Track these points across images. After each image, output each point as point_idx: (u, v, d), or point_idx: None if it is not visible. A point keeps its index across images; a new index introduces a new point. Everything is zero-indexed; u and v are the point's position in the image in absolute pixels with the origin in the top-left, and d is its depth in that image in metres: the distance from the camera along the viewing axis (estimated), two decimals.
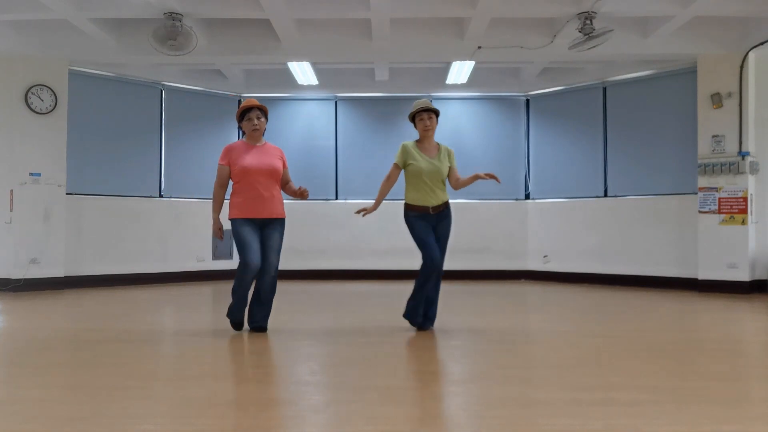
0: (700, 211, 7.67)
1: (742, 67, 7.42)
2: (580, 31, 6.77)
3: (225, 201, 4.70)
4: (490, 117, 9.78)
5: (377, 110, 9.81)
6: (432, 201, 4.70)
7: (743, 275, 7.36)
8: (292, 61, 8.34)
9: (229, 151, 4.67)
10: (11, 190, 7.67)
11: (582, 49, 6.91)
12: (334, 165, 9.77)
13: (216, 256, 9.39)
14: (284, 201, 4.77)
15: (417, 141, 4.85)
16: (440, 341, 4.42)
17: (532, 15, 7.05)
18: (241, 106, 4.72)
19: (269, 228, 4.61)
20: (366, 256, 9.52)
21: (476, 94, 9.70)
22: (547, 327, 5.18)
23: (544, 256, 9.34)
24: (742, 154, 7.37)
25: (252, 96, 9.59)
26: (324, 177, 9.66)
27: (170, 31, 6.73)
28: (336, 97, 9.80)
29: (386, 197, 4.87)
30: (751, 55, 7.41)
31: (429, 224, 4.69)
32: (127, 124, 8.67)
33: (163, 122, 9.05)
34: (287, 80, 9.30)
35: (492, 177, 4.62)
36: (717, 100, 7.51)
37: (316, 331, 4.88)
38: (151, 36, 6.77)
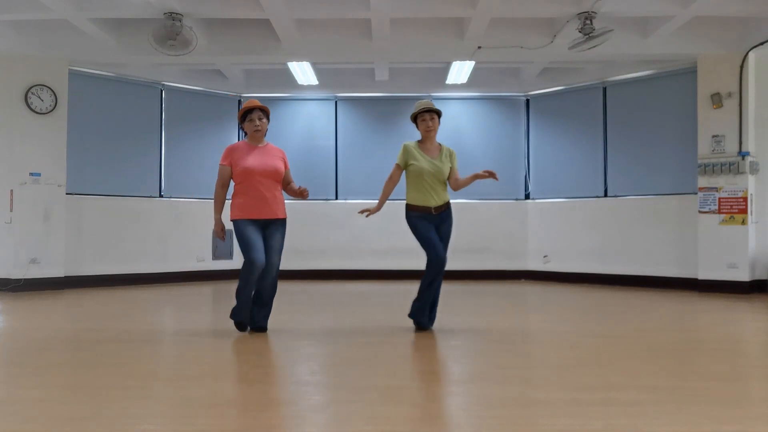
0: (700, 211, 7.68)
1: (742, 67, 7.42)
2: (580, 31, 6.77)
3: (227, 201, 4.70)
4: (490, 117, 9.78)
5: (377, 110, 9.81)
6: (434, 201, 4.70)
7: (743, 275, 7.36)
8: (292, 61, 8.34)
9: (231, 152, 4.67)
10: (11, 190, 7.67)
11: (582, 49, 6.91)
12: (334, 165, 9.77)
13: (216, 256, 9.39)
14: (284, 201, 4.78)
15: (419, 141, 4.85)
16: (440, 341, 4.42)
17: (532, 15, 7.05)
18: (243, 106, 4.71)
19: (271, 228, 4.62)
20: (366, 256, 9.52)
21: (476, 94, 9.70)
22: (547, 327, 5.18)
23: (544, 256, 9.33)
24: (742, 154, 7.37)
25: (252, 96, 9.59)
26: (324, 177, 9.66)
27: (170, 31, 6.72)
28: (336, 97, 9.80)
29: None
30: (751, 55, 7.41)
31: (431, 224, 4.69)
32: (127, 124, 8.67)
33: (163, 122, 9.05)
34: (287, 80, 9.30)
35: (491, 174, 4.61)
36: (717, 100, 7.51)
37: (316, 331, 4.88)
38: (151, 36, 6.77)
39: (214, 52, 7.82)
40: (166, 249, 8.94)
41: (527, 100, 9.70)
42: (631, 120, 8.58)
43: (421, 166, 4.69)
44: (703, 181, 7.63)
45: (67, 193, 8.00)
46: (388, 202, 4.91)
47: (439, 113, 4.81)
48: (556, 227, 9.26)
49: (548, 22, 7.44)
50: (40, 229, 7.74)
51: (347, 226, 9.51)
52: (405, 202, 4.79)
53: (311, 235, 9.35)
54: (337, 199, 9.73)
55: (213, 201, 4.73)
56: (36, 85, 7.76)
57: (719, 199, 7.51)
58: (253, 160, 4.58)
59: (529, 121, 9.71)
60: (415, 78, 9.49)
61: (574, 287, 8.33)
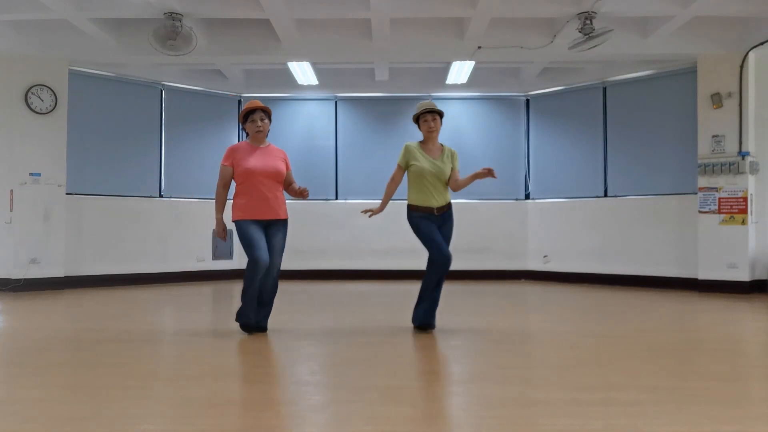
0: (700, 211, 7.68)
1: (742, 67, 7.42)
2: (580, 31, 6.77)
3: (228, 201, 4.70)
4: (490, 117, 9.78)
5: (377, 110, 9.81)
6: (436, 202, 4.70)
7: (743, 275, 7.36)
8: (292, 61, 8.34)
9: (232, 152, 4.66)
10: (11, 190, 7.67)
11: (582, 49, 6.91)
12: (334, 165, 9.77)
13: (216, 256, 9.38)
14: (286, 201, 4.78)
15: (421, 142, 4.86)
16: (440, 341, 4.42)
17: (532, 15, 7.05)
18: (245, 107, 4.70)
19: (272, 229, 4.62)
20: (366, 256, 9.52)
21: (476, 94, 9.70)
22: (547, 327, 5.18)
23: (544, 256, 9.34)
24: (742, 154, 7.37)
25: (252, 96, 9.60)
26: (324, 177, 9.66)
27: (170, 31, 6.73)
28: (336, 97, 9.80)
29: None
30: (751, 55, 7.41)
31: (433, 224, 4.69)
32: (127, 124, 8.68)
33: (163, 122, 9.05)
34: (287, 80, 9.30)
35: (489, 172, 4.58)
36: (717, 100, 7.51)
37: (316, 331, 4.88)
38: (151, 36, 6.77)
39: (214, 52, 7.83)
40: (166, 249, 8.95)
41: (527, 100, 9.70)
42: (631, 120, 8.58)
43: (423, 167, 4.69)
44: (703, 181, 7.63)
45: (67, 193, 8.00)
46: (391, 202, 4.92)
47: (441, 114, 4.81)
48: (556, 227, 9.26)
49: (548, 22, 7.44)
50: (40, 229, 7.74)
51: (347, 226, 9.51)
52: (406, 202, 4.79)
53: (311, 235, 9.35)
54: (337, 199, 9.73)
55: (214, 201, 4.73)
56: (36, 85, 7.76)
57: (719, 199, 7.51)
58: (254, 161, 4.58)
59: (529, 121, 9.71)
60: (415, 78, 9.49)
61: (574, 287, 8.33)
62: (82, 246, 8.19)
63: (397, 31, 7.56)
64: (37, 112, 7.77)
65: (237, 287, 8.41)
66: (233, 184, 4.72)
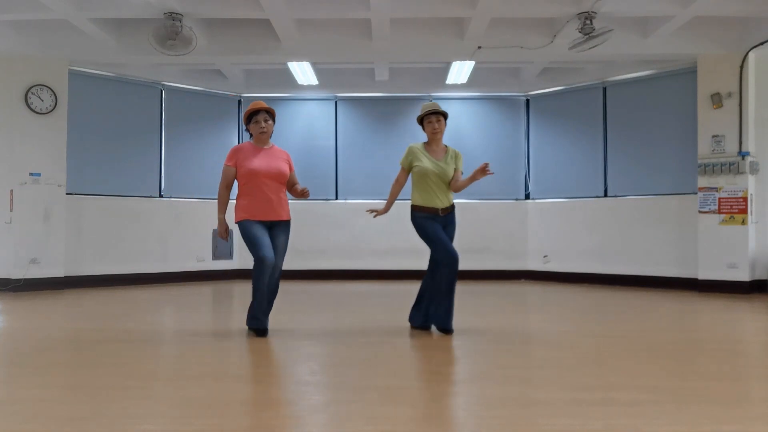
0: (700, 211, 7.68)
1: (742, 67, 7.42)
2: (580, 31, 6.77)
3: (231, 202, 4.70)
4: (490, 117, 9.78)
5: (377, 110, 9.81)
6: (440, 203, 4.70)
7: (743, 275, 7.37)
8: (292, 61, 8.34)
9: (236, 152, 4.66)
10: (11, 190, 7.67)
11: (582, 49, 6.91)
12: (334, 165, 9.77)
13: (216, 256, 9.39)
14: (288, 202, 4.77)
15: (425, 143, 4.86)
16: (440, 341, 4.42)
17: (532, 15, 7.05)
18: (249, 108, 4.68)
19: (275, 230, 4.61)
20: (366, 256, 9.52)
21: (476, 94, 9.70)
22: (547, 327, 5.18)
23: (544, 256, 9.34)
24: (742, 154, 7.37)
25: (252, 96, 9.61)
26: (324, 177, 9.66)
27: (170, 31, 6.73)
28: (336, 97, 9.80)
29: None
30: (751, 55, 7.41)
31: (438, 225, 4.69)
32: (127, 124, 8.68)
33: (163, 122, 9.05)
34: (287, 80, 9.30)
35: (483, 170, 4.55)
36: (717, 100, 7.51)
37: (316, 331, 4.88)
38: (151, 36, 6.77)
39: (214, 52, 7.83)
40: (166, 249, 8.95)
41: (527, 100, 9.70)
42: (631, 120, 8.58)
43: (426, 167, 4.69)
44: (703, 181, 7.64)
45: (67, 193, 8.00)
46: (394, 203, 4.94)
47: (445, 115, 4.82)
48: (556, 227, 9.26)
49: (548, 22, 7.44)
50: (40, 229, 7.74)
51: (347, 226, 9.52)
52: (410, 203, 4.79)
53: (311, 235, 9.35)
54: (337, 199, 9.73)
55: (216, 201, 4.72)
56: (36, 85, 7.76)
57: (719, 199, 7.51)
58: (258, 162, 4.57)
59: (529, 121, 9.71)
60: (415, 78, 9.49)
61: (574, 287, 8.33)
62: (82, 246, 8.19)
63: (397, 31, 7.56)
64: (37, 112, 7.77)
65: (237, 287, 8.43)
66: (236, 185, 4.72)
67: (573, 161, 9.19)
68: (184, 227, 9.08)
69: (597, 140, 8.95)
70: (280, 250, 4.59)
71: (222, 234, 4.64)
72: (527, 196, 9.65)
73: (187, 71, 9.17)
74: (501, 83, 9.54)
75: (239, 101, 9.78)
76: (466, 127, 9.67)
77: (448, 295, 4.61)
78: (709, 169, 7.55)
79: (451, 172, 4.75)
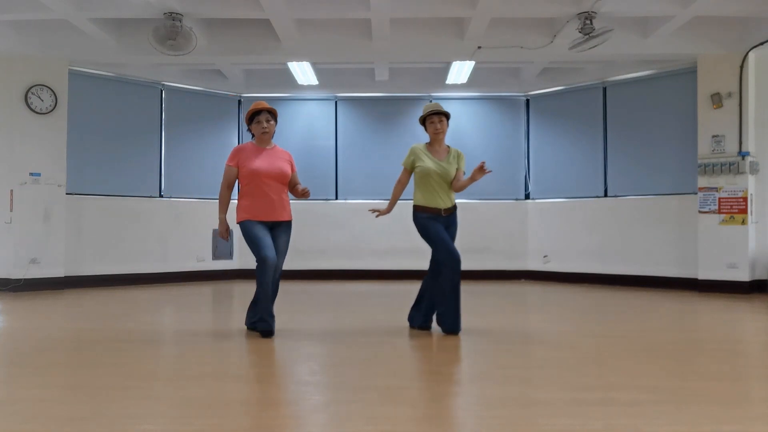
0: (700, 211, 7.68)
1: (742, 67, 7.42)
2: (580, 31, 6.77)
3: (232, 202, 4.70)
4: (490, 117, 9.78)
5: (377, 110, 9.82)
6: (443, 203, 4.70)
7: (743, 275, 7.37)
8: (292, 61, 8.34)
9: (238, 152, 4.65)
10: (11, 190, 7.67)
11: (582, 49, 6.91)
12: (334, 165, 9.77)
13: (216, 256, 9.38)
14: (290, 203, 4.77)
15: (427, 144, 4.86)
16: (440, 341, 4.42)
17: (532, 15, 7.05)
18: (251, 108, 4.67)
19: (277, 231, 4.60)
20: (366, 256, 9.52)
21: (476, 94, 9.70)
22: (547, 327, 5.18)
23: (544, 256, 9.34)
24: (742, 154, 7.38)
25: (252, 96, 9.62)
26: (324, 177, 9.66)
27: (170, 31, 6.73)
28: (336, 97, 9.80)
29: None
30: (751, 55, 7.42)
31: (441, 225, 4.68)
32: (127, 124, 8.68)
33: (163, 122, 9.05)
34: (287, 80, 9.30)
35: (482, 168, 4.53)
36: (717, 100, 7.51)
37: (316, 331, 4.88)
38: (151, 36, 6.77)
39: (214, 52, 7.83)
40: (166, 249, 8.95)
41: (527, 100, 9.70)
42: (631, 120, 8.58)
43: (428, 167, 4.69)
44: (703, 181, 7.64)
45: (67, 193, 8.00)
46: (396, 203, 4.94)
47: (447, 116, 4.82)
48: (556, 227, 9.27)
49: (548, 22, 7.44)
50: (40, 229, 7.74)
51: (347, 226, 9.52)
52: (411, 203, 4.79)
53: (311, 235, 9.35)
54: (337, 199, 9.74)
55: (218, 201, 4.71)
56: (36, 85, 7.76)
57: (719, 199, 7.51)
58: (260, 162, 4.56)
59: (529, 121, 9.71)
60: (415, 78, 9.49)
61: (574, 287, 8.33)
62: (82, 246, 8.19)
63: (397, 31, 7.56)
64: (37, 112, 7.77)
65: (237, 287, 8.43)
66: (237, 185, 4.71)
67: (573, 161, 9.19)
68: (184, 227, 9.08)
69: (597, 140, 8.95)
70: (281, 251, 4.59)
71: (222, 234, 4.63)
72: (527, 196, 9.65)
73: (187, 71, 9.17)
74: (501, 83, 9.54)
75: (239, 101, 9.78)
76: (466, 127, 9.67)
77: (454, 297, 4.58)
78: (709, 169, 7.55)
79: (453, 172, 4.75)
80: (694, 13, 6.71)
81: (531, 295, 7.72)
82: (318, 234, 9.48)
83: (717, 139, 7.56)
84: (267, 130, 4.64)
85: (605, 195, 8.83)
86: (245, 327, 4.84)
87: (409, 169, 4.81)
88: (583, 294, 7.56)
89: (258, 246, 4.42)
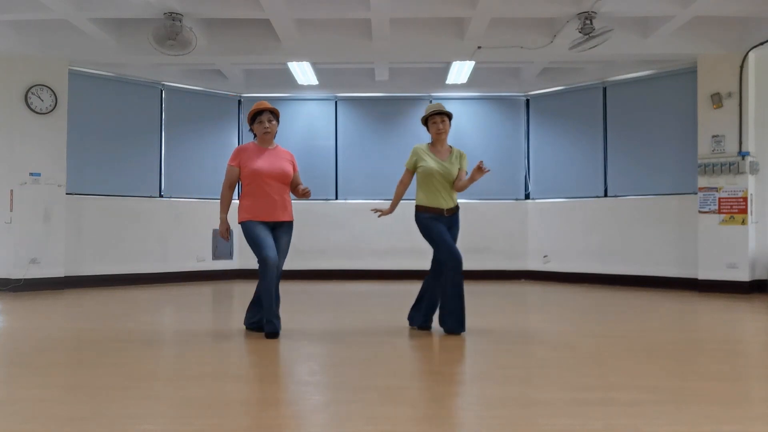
0: (700, 211, 7.68)
1: (742, 67, 7.42)
2: (580, 31, 6.77)
3: (234, 202, 4.70)
4: (490, 117, 9.78)
5: (377, 110, 9.82)
6: (446, 203, 4.70)
7: (743, 275, 7.37)
8: (292, 61, 8.34)
9: (239, 152, 4.65)
10: (11, 190, 7.67)
11: (582, 49, 6.91)
12: (334, 165, 9.77)
13: (216, 256, 9.39)
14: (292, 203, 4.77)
15: (430, 144, 4.86)
16: (440, 341, 4.42)
17: (532, 15, 7.05)
18: (253, 108, 4.66)
19: (278, 231, 4.60)
20: (366, 256, 9.52)
21: (476, 94, 9.70)
22: (547, 327, 5.18)
23: (544, 256, 9.34)
24: (742, 154, 7.38)
25: (252, 96, 9.62)
26: (324, 177, 9.66)
27: (170, 31, 6.73)
28: (336, 97, 9.80)
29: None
30: (751, 55, 7.42)
31: (443, 226, 4.68)
32: (127, 124, 8.68)
33: (163, 122, 9.05)
34: (287, 80, 9.31)
35: (481, 168, 4.53)
36: (717, 100, 7.51)
37: (316, 331, 4.87)
38: (151, 36, 6.77)
39: (214, 52, 7.83)
40: (166, 249, 8.95)
41: (527, 100, 9.70)
42: (631, 120, 8.58)
43: (431, 167, 4.69)
44: (703, 181, 7.64)
45: (67, 193, 8.00)
46: (389, 203, 4.94)
47: (449, 116, 4.82)
48: (556, 227, 9.27)
49: (548, 22, 7.44)
50: (40, 229, 7.74)
51: (347, 226, 9.52)
52: (412, 203, 4.79)
53: (311, 235, 9.35)
54: (337, 199, 9.74)
55: (215, 201, 4.71)
56: (36, 85, 7.76)
57: (719, 199, 7.51)
58: (261, 162, 4.56)
59: (529, 121, 9.71)
60: (415, 78, 9.49)
61: (574, 287, 8.33)
62: (82, 246, 8.19)
63: (397, 31, 7.56)
64: (37, 112, 7.77)
65: (237, 287, 8.43)
66: (239, 186, 4.71)
67: (573, 161, 9.19)
68: (184, 227, 9.08)
69: (597, 140, 8.95)
70: (282, 251, 4.59)
71: (223, 233, 4.62)
72: (527, 196, 9.65)
73: (187, 71, 9.17)
74: (501, 83, 9.54)
75: (239, 101, 9.78)
76: (466, 127, 9.67)
77: (457, 298, 4.58)
78: (709, 169, 7.55)
79: (455, 172, 4.75)
80: (694, 13, 6.71)
81: (531, 295, 7.72)
82: (318, 234, 9.48)
83: (717, 139, 7.56)
84: (269, 130, 4.63)
85: (605, 195, 8.83)
86: (244, 327, 4.84)
87: (412, 170, 4.81)
88: (583, 294, 7.56)
89: (259, 246, 4.42)
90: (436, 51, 7.89)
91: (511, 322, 5.44)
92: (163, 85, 9.04)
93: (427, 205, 4.70)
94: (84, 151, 8.26)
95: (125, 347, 4.17)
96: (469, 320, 4.85)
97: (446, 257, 4.57)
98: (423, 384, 3.32)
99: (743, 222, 7.38)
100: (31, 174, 7.72)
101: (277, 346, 4.25)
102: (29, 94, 7.72)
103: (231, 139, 9.66)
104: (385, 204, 4.95)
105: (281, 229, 4.61)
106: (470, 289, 7.99)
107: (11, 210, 7.66)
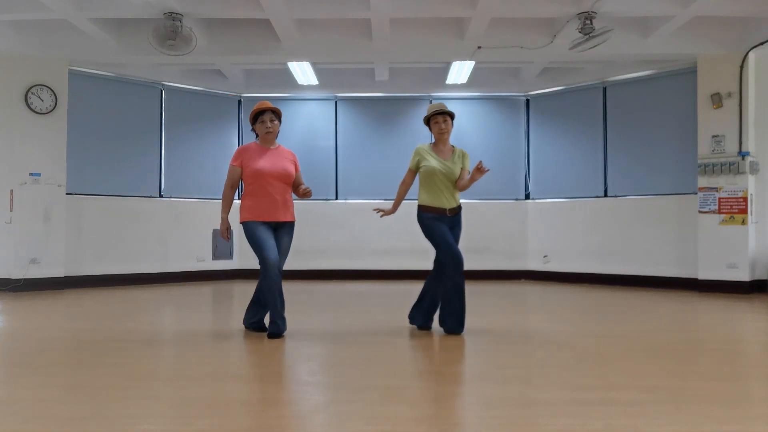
0: (700, 211, 7.68)
1: (742, 67, 7.42)
2: (580, 31, 6.77)
3: (235, 202, 4.69)
4: (490, 117, 9.78)
5: (377, 110, 9.81)
6: (448, 203, 4.70)
7: (743, 275, 7.37)
8: (292, 61, 8.34)
9: (242, 152, 4.64)
10: (11, 190, 7.67)
11: (582, 49, 6.91)
12: (334, 165, 9.77)
13: (216, 256, 9.39)
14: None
15: (432, 144, 4.87)
16: (440, 341, 4.42)
17: (532, 15, 7.05)
18: (255, 108, 4.65)
19: (280, 231, 4.59)
20: (366, 256, 9.52)
21: (476, 94, 9.70)
22: (547, 327, 5.18)
23: (544, 256, 9.34)
24: (742, 154, 7.38)
25: (252, 96, 9.62)
26: (324, 177, 9.66)
27: (170, 30, 6.73)
28: (336, 97, 9.80)
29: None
30: (751, 55, 7.42)
31: (446, 226, 4.68)
32: (127, 124, 8.68)
33: (163, 122, 9.05)
34: (287, 80, 9.30)
35: (481, 168, 4.53)
36: (717, 100, 7.51)
37: (316, 331, 4.87)
38: (151, 36, 6.77)
39: (214, 52, 7.83)
40: (166, 249, 8.95)
41: (527, 100, 9.70)
42: (631, 120, 8.58)
43: (433, 166, 4.69)
44: (703, 181, 7.64)
45: (67, 193, 8.00)
46: (390, 203, 4.94)
47: (452, 115, 4.82)
48: (556, 227, 9.27)
49: (548, 22, 7.44)
50: (40, 229, 7.74)
51: (347, 226, 9.52)
52: (414, 203, 4.78)
53: (311, 235, 9.34)
54: (337, 199, 9.73)
55: (218, 201, 4.71)
56: (36, 85, 7.76)
57: (719, 199, 7.51)
58: (264, 162, 4.55)
59: (529, 121, 9.71)
60: (415, 78, 9.49)
61: (574, 287, 8.33)
62: (82, 246, 8.19)
63: (397, 31, 7.56)
64: (37, 112, 7.77)
65: (237, 287, 8.43)
66: (241, 186, 4.71)
67: (573, 161, 9.19)
68: (184, 227, 9.08)
69: (597, 140, 8.95)
70: (283, 252, 4.58)
71: (223, 233, 4.62)
72: (527, 196, 9.65)
73: (187, 71, 9.17)
74: (501, 83, 9.54)
75: (239, 101, 9.78)
76: (466, 127, 9.66)
77: (458, 298, 4.58)
78: (709, 169, 7.55)
79: (458, 172, 4.75)
80: (694, 13, 6.71)
81: (531, 295, 7.72)
82: (318, 234, 9.48)
83: (717, 139, 7.56)
84: (271, 129, 4.62)
85: (605, 195, 8.83)
86: (244, 327, 4.84)
87: (414, 170, 4.82)
88: (583, 294, 7.56)
89: (261, 248, 4.42)
90: (436, 51, 7.89)
91: (511, 322, 5.44)
92: (163, 85, 9.04)
93: (429, 205, 4.70)
94: (84, 151, 8.26)
95: (125, 347, 4.17)
96: (469, 320, 4.85)
97: (447, 258, 4.57)
98: (423, 384, 3.32)
99: (743, 222, 7.38)
100: (31, 174, 7.72)
101: (277, 346, 4.25)
102: (29, 94, 7.72)
103: (231, 139, 9.66)
104: (386, 204, 4.95)
105: (283, 230, 4.61)
106: (470, 289, 7.98)
107: (11, 210, 7.66)
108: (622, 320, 5.51)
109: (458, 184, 4.77)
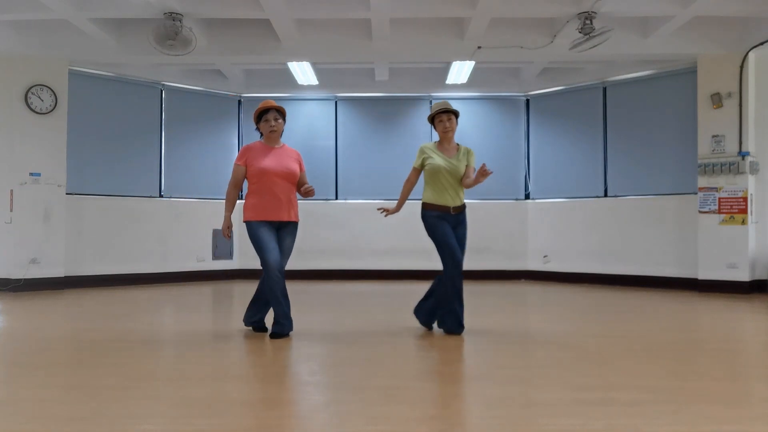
0: (700, 211, 7.68)
1: (742, 67, 7.42)
2: (580, 31, 6.77)
3: (239, 201, 4.68)
4: (490, 117, 9.78)
5: (377, 110, 9.81)
6: (452, 201, 4.69)
7: (743, 275, 7.37)
8: (292, 61, 8.34)
9: (246, 151, 4.63)
10: (11, 190, 7.67)
11: (582, 49, 6.91)
12: (334, 165, 9.77)
13: (216, 256, 9.39)
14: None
15: (437, 142, 4.86)
16: (440, 341, 4.42)
17: (532, 15, 7.05)
18: (259, 107, 4.64)
19: (283, 231, 4.58)
20: (366, 256, 9.52)
21: (476, 94, 9.70)
22: (547, 327, 5.18)
23: (544, 256, 9.34)
24: (742, 154, 7.38)
25: (252, 96, 9.63)
26: (324, 177, 9.66)
27: (170, 30, 6.73)
28: (336, 97, 9.80)
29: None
30: (751, 55, 7.42)
31: (449, 226, 4.68)
32: (127, 124, 8.68)
33: (163, 122, 9.05)
34: (287, 80, 9.30)
35: (484, 171, 4.52)
36: (717, 100, 7.51)
37: (316, 331, 4.87)
38: (151, 36, 6.78)
39: (214, 52, 7.83)
40: (166, 249, 8.95)
41: (527, 100, 9.70)
42: (631, 120, 8.58)
43: (438, 164, 4.68)
44: (703, 181, 7.64)
45: (67, 193, 8.00)
46: (391, 203, 4.93)
47: (456, 114, 4.82)
48: (556, 227, 9.27)
49: (548, 22, 7.44)
50: (40, 229, 7.74)
51: (347, 226, 9.51)
52: (417, 202, 4.78)
53: (311, 235, 9.32)
54: (337, 199, 9.73)
55: (219, 200, 4.70)
56: (36, 85, 7.76)
57: (719, 199, 7.51)
58: (268, 161, 4.54)
59: (529, 121, 9.71)
60: (415, 78, 9.49)
61: (574, 287, 8.33)
62: (82, 246, 8.19)
63: (397, 31, 7.56)
64: (37, 112, 7.77)
65: (237, 287, 8.43)
66: (245, 185, 4.70)
67: (573, 161, 9.19)
68: (184, 227, 9.08)
69: (597, 140, 8.95)
70: (285, 252, 4.57)
71: (225, 231, 4.61)
72: (527, 196, 9.65)
73: (187, 71, 9.17)
74: (501, 83, 9.54)
75: (239, 101, 9.78)
76: (466, 127, 9.64)
77: (456, 299, 4.59)
78: (709, 169, 7.55)
79: (462, 170, 4.74)
80: (694, 13, 6.71)
81: (531, 295, 7.72)
82: (318, 234, 9.48)
83: (717, 139, 7.56)
84: (275, 128, 4.61)
85: (605, 195, 8.83)
86: (244, 327, 4.84)
87: (419, 168, 4.80)
88: (583, 294, 7.56)
89: (263, 249, 4.41)
90: (436, 51, 7.89)
91: (511, 322, 5.44)
92: (163, 85, 9.04)
93: (433, 203, 4.69)
94: (84, 151, 8.26)
95: (125, 347, 4.17)
96: (469, 320, 4.85)
97: (447, 260, 4.58)
98: (423, 384, 3.32)
99: (743, 222, 7.38)
100: (31, 174, 7.72)
101: (277, 346, 4.25)
102: (29, 94, 7.72)
103: (231, 139, 9.66)
104: (387, 204, 4.94)
105: (286, 230, 4.60)
106: (470, 289, 8.01)
107: (11, 210, 7.66)
108: (622, 320, 5.51)
109: (464, 182, 4.76)
